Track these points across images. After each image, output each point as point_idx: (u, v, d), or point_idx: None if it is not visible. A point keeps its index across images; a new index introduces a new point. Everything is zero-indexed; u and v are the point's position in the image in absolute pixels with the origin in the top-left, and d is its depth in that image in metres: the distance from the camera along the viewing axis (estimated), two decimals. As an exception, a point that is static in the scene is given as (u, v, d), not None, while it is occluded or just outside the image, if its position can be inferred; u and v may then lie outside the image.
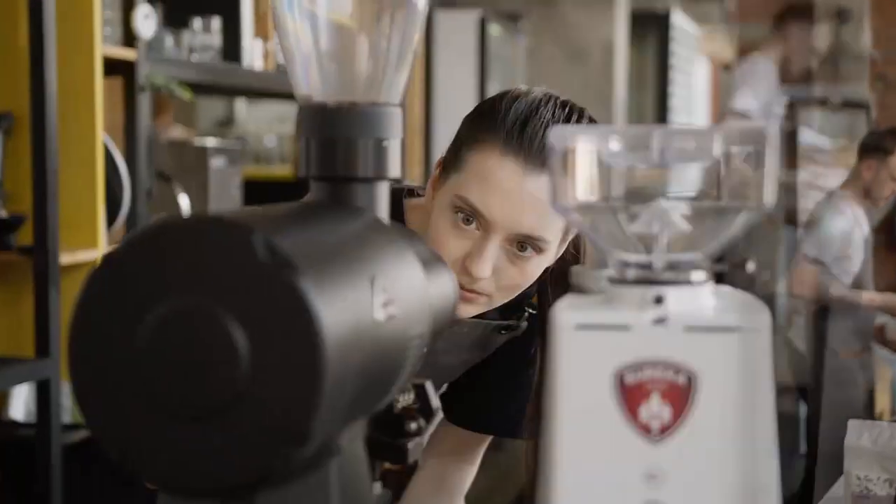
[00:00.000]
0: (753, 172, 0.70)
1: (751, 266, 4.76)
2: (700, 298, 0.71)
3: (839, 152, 7.87)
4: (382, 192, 0.84)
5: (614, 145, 0.72)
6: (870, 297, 4.53)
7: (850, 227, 4.30)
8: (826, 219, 4.36)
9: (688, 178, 0.73)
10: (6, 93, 2.48)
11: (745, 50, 10.17)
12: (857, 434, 1.86)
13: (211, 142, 3.25)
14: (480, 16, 4.79)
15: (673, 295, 0.70)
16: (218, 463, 0.61)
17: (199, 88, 3.25)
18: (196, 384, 0.61)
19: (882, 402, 4.57)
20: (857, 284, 4.39)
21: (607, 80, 5.68)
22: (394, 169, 0.84)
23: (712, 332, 0.68)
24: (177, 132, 3.98)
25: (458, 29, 4.88)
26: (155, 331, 0.62)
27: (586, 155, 0.72)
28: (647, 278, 0.71)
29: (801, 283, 4.32)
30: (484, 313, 1.33)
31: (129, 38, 2.72)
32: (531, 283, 1.29)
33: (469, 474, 1.56)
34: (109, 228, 2.66)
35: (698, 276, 0.71)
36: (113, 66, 2.69)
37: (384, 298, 0.71)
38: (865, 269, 4.44)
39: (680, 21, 7.68)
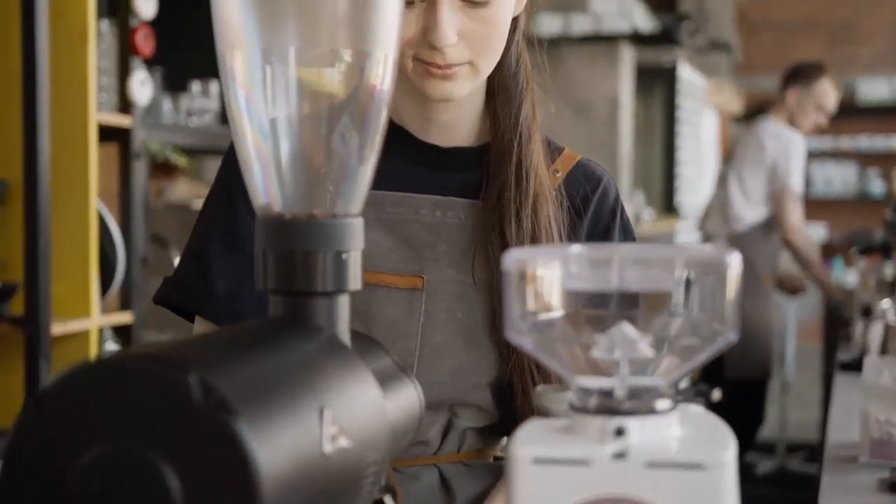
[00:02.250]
0: (715, 299, 0.67)
1: None
2: (664, 429, 0.68)
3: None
4: (342, 305, 0.81)
5: (573, 268, 0.69)
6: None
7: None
8: (791, 149, 4.50)
9: (653, 302, 0.71)
10: (0, 160, 2.47)
11: (752, 101, 10.21)
12: (876, 371, 1.68)
13: (210, 204, 3.23)
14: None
15: (635, 426, 0.67)
16: None
17: (198, 150, 3.24)
18: (126, 534, 0.58)
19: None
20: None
21: (613, 135, 5.67)
22: (354, 282, 0.81)
23: (675, 468, 0.65)
24: (183, 188, 3.97)
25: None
26: (86, 475, 0.60)
27: (543, 278, 0.70)
28: (609, 407, 0.68)
29: (798, 220, 4.42)
30: None
31: (126, 105, 2.71)
32: (504, 31, 1.21)
33: None
34: (104, 296, 2.64)
35: (662, 404, 0.68)
36: (109, 133, 2.68)
37: (334, 430, 0.68)
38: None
39: (686, 73, 7.68)
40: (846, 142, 10.30)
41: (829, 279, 4.79)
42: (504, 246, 1.21)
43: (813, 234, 10.44)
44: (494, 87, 1.28)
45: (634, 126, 6.33)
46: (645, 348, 0.69)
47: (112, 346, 2.88)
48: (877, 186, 10.29)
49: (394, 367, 0.86)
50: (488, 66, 1.21)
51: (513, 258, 0.69)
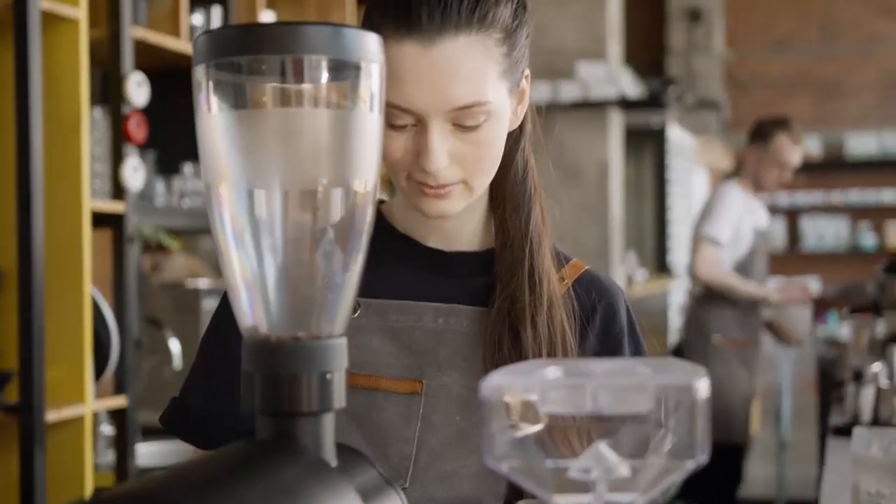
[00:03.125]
0: (685, 422, 0.69)
1: None
2: (640, 550, 0.70)
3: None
4: (328, 423, 0.83)
5: (549, 393, 0.72)
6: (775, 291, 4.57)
7: (740, 213, 4.41)
8: (718, 201, 4.46)
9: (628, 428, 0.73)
10: (-5, 248, 2.50)
11: (741, 158, 10.30)
12: (866, 443, 1.69)
13: (203, 283, 3.26)
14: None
15: (613, 545, 0.69)
16: None
17: (191, 231, 3.27)
18: None
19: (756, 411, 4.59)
20: (741, 272, 4.47)
21: (604, 198, 5.72)
22: (339, 400, 0.84)
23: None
24: (179, 262, 3.99)
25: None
26: None
27: (520, 403, 0.72)
28: (587, 528, 0.70)
29: (704, 261, 4.33)
30: None
31: (119, 191, 2.75)
32: (499, 150, 1.19)
33: None
34: (98, 381, 2.66)
35: (639, 524, 0.71)
36: (102, 219, 2.72)
37: (319, 556, 0.70)
38: (753, 259, 4.45)
39: (675, 134, 7.76)
40: (837, 196, 10.38)
41: (762, 290, 4.65)
42: (520, 352, 1.20)
43: (807, 288, 10.49)
44: (500, 195, 1.28)
45: (625, 187, 6.38)
46: (622, 468, 0.71)
47: (107, 429, 2.89)
48: (868, 240, 10.35)
49: (380, 479, 0.88)
50: (482, 184, 1.20)
51: (490, 385, 0.72)
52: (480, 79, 1.14)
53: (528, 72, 1.24)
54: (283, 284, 0.83)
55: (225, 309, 1.31)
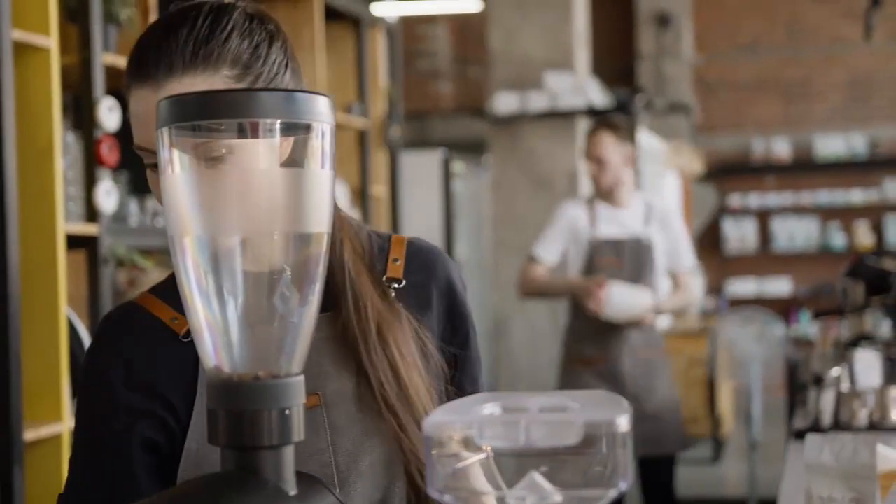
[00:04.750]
0: (611, 455, 0.77)
1: None
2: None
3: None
4: (287, 455, 0.90)
5: (486, 429, 0.79)
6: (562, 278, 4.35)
7: (568, 225, 4.28)
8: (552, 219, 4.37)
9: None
10: (-29, 272, 2.55)
11: (712, 161, 10.42)
12: (818, 450, 1.74)
13: (177, 299, 3.31)
14: (444, 155, 4.92)
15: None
16: None
17: (165, 250, 3.33)
18: None
19: None
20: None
21: (573, 206, 5.80)
22: (298, 433, 0.90)
23: None
24: (155, 277, 4.04)
25: (422, 167, 5.00)
26: None
27: (459, 439, 0.79)
28: (521, 551, 0.77)
29: (524, 280, 4.26)
30: None
31: (92, 213, 2.81)
32: None
33: None
34: (74, 399, 2.71)
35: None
36: (76, 240, 2.77)
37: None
38: (592, 268, 4.30)
39: (646, 139, 7.85)
40: (807, 197, 10.51)
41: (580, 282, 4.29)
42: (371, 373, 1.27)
43: (777, 288, 10.63)
44: None
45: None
46: (553, 495, 0.78)
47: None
48: (838, 240, 10.49)
49: (336, 503, 0.95)
50: None
51: (431, 422, 0.79)
52: None
53: None
54: (243, 327, 0.90)
55: (94, 388, 1.30)
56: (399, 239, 1.39)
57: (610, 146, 4.20)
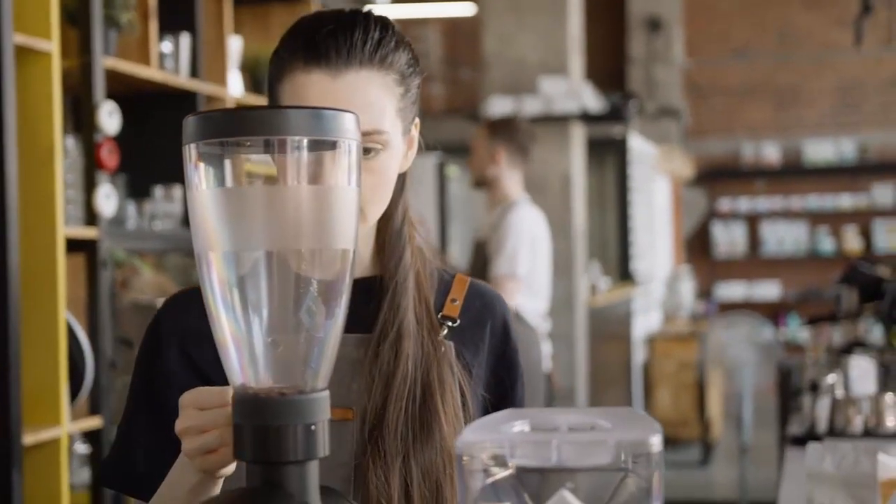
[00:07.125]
0: (642, 479, 0.77)
1: None
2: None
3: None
4: (312, 470, 0.91)
5: (517, 450, 0.79)
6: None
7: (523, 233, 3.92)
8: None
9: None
10: (-29, 275, 2.54)
11: (702, 165, 10.44)
12: (819, 458, 1.75)
13: (174, 302, 3.30)
14: (439, 159, 4.92)
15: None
16: None
17: (162, 252, 3.33)
18: None
19: None
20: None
21: (567, 210, 5.81)
22: (323, 449, 0.91)
23: None
24: (148, 277, 4.03)
25: (416, 170, 4.97)
26: None
27: (491, 457, 0.79)
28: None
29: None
30: None
31: (92, 217, 2.80)
32: (391, 183, 1.27)
33: None
34: (73, 403, 2.71)
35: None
36: (76, 244, 2.77)
37: None
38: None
39: (637, 143, 7.87)
40: (796, 202, 10.53)
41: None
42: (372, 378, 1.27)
43: (766, 292, 10.66)
44: (383, 232, 1.34)
45: (588, 197, 6.48)
46: (582, 513, 0.79)
47: (81, 448, 2.94)
48: (827, 244, 10.52)
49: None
50: (375, 213, 1.27)
51: (463, 441, 0.79)
52: (379, 109, 1.23)
53: (418, 121, 1.33)
54: (269, 345, 0.90)
55: (153, 352, 1.31)
56: (462, 279, 1.39)
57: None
